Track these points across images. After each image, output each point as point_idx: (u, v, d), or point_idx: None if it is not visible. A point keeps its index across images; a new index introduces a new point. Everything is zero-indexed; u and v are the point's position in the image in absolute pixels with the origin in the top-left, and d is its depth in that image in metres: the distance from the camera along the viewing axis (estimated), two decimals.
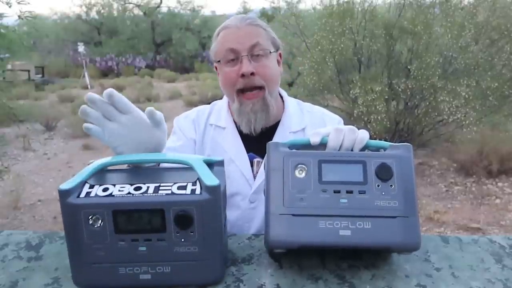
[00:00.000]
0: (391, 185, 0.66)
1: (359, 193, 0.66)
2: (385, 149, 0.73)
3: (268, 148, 0.71)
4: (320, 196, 0.66)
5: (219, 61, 1.08)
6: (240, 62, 1.04)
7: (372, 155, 0.69)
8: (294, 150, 0.71)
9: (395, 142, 0.73)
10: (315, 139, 0.76)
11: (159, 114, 0.80)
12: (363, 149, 0.76)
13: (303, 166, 0.68)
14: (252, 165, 1.10)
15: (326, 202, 0.65)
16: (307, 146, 0.76)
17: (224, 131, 1.13)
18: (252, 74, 1.03)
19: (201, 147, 1.13)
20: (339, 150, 0.75)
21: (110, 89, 0.75)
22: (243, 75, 1.03)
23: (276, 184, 0.67)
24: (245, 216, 1.08)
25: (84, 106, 0.76)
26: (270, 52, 1.07)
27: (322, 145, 0.76)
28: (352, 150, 0.75)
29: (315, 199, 0.66)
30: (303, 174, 0.67)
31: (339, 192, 0.66)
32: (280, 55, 1.14)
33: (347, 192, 0.66)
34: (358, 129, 0.78)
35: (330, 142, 0.75)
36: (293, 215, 0.65)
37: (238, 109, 1.07)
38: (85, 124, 0.77)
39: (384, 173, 0.66)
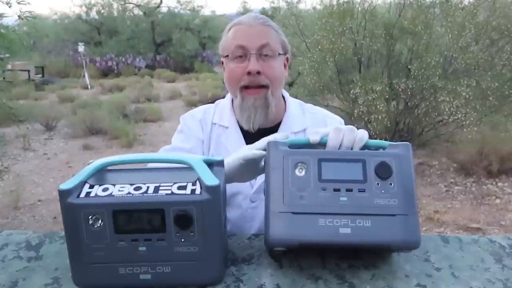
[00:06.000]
0: (391, 184, 0.66)
1: (359, 191, 0.66)
2: (384, 148, 0.73)
3: (268, 147, 0.71)
4: (320, 194, 0.66)
5: (226, 56, 1.09)
6: (247, 60, 1.04)
7: (371, 154, 0.69)
8: (294, 149, 0.71)
9: (395, 142, 0.74)
10: (314, 138, 0.76)
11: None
12: (362, 148, 0.76)
13: (303, 164, 0.68)
14: None
15: (326, 200, 0.66)
16: (306, 145, 0.76)
17: (227, 130, 1.14)
18: (258, 73, 1.04)
19: (206, 147, 1.14)
20: (338, 149, 0.75)
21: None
22: (249, 73, 1.04)
23: (276, 182, 0.67)
24: (246, 215, 1.08)
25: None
26: (278, 54, 1.08)
27: (322, 144, 0.76)
28: (351, 149, 0.75)
29: (315, 197, 0.66)
30: (303, 173, 0.67)
31: (339, 190, 0.66)
32: (287, 59, 1.14)
33: (347, 190, 0.66)
34: (358, 129, 0.78)
35: (330, 141, 0.75)
36: (293, 213, 0.65)
37: (240, 105, 1.08)
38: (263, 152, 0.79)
39: (383, 171, 0.67)
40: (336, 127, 0.77)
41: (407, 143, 0.70)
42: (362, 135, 0.76)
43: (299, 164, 0.68)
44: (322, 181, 0.67)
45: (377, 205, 0.65)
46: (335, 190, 0.66)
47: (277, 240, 0.66)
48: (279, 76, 1.09)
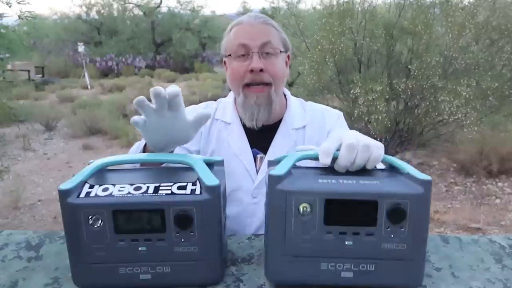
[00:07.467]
0: (402, 228, 0.61)
1: (366, 235, 0.61)
2: (401, 172, 0.66)
3: (268, 181, 0.62)
4: (324, 238, 0.62)
5: (229, 55, 1.10)
6: (250, 58, 1.05)
7: (385, 194, 0.61)
8: (298, 188, 0.62)
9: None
10: (326, 161, 0.67)
11: (206, 118, 0.78)
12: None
13: (308, 205, 0.61)
14: (255, 161, 1.11)
15: (330, 244, 0.62)
16: (317, 158, 0.69)
17: (229, 127, 1.15)
18: (261, 70, 1.05)
19: (207, 142, 1.15)
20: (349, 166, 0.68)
21: (176, 89, 0.71)
22: (252, 71, 1.05)
23: (277, 223, 0.62)
24: (247, 211, 1.09)
25: (141, 97, 0.71)
26: (280, 51, 1.09)
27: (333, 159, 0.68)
28: (364, 167, 0.68)
29: (319, 241, 0.62)
30: (307, 214, 0.61)
31: (345, 233, 0.61)
32: (288, 56, 1.16)
33: (354, 233, 0.61)
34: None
35: (341, 159, 0.66)
36: (294, 256, 0.62)
37: (243, 102, 1.09)
38: (135, 118, 0.73)
39: (396, 216, 0.60)
40: (349, 143, 0.66)
41: (429, 178, 0.61)
42: (378, 154, 0.67)
43: (303, 204, 0.61)
44: (328, 224, 0.61)
45: (384, 250, 0.61)
46: (341, 233, 0.61)
47: (276, 281, 0.65)
48: (281, 74, 1.10)
